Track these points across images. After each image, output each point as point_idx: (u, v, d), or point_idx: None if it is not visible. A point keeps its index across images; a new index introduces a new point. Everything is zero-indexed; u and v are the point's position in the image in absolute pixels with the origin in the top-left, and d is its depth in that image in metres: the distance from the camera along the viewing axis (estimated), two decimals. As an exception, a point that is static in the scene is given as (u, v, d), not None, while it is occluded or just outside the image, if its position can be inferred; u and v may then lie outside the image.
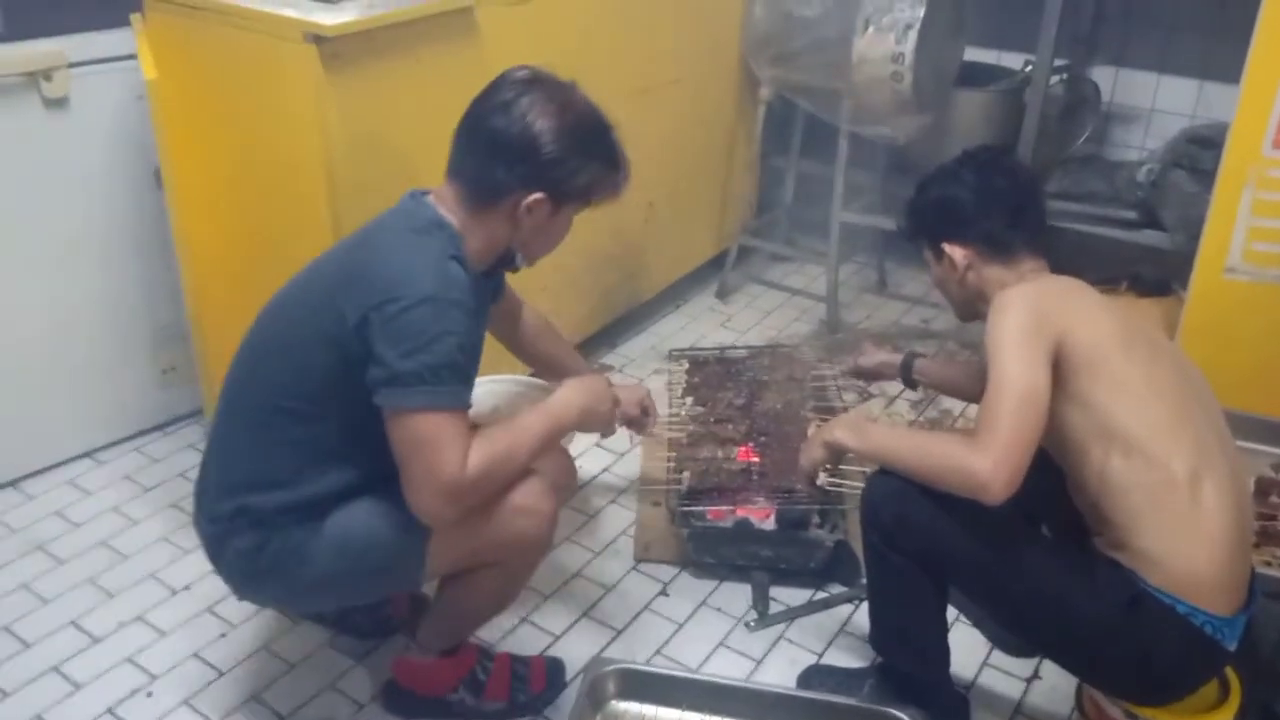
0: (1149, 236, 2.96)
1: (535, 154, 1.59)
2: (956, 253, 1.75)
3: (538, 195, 1.61)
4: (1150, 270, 2.81)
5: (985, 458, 1.49)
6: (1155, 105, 3.31)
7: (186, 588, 2.16)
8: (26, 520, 2.35)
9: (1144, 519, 1.54)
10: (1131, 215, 2.99)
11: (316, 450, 1.65)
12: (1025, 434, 1.50)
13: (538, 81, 1.63)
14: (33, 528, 2.33)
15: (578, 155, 1.61)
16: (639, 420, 2.13)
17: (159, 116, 2.02)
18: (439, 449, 1.50)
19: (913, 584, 1.70)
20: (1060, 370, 1.57)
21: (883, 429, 1.72)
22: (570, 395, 1.75)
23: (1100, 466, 1.57)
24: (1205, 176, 2.84)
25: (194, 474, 2.42)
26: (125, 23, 2.21)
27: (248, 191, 2.16)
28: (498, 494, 1.63)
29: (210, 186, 2.16)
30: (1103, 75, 3.32)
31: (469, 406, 1.58)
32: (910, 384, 2.28)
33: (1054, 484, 1.69)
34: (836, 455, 1.78)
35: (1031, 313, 1.58)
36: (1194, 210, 2.81)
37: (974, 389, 2.13)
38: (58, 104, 2.23)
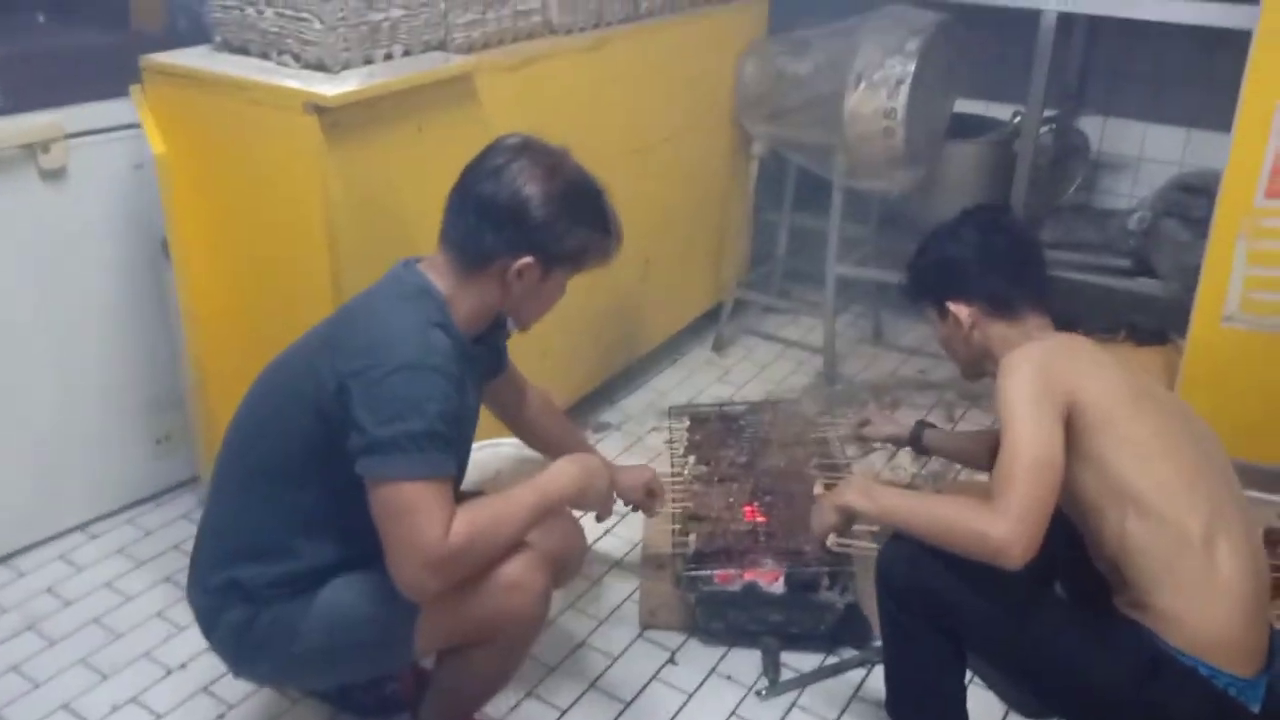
0: (1143, 284, 2.97)
1: (524, 218, 1.59)
2: (961, 311, 1.75)
3: (527, 259, 1.61)
4: (1147, 319, 2.82)
5: (1003, 523, 1.48)
6: (1143, 153, 3.34)
7: (182, 666, 2.11)
8: (18, 598, 2.29)
9: (1162, 579, 1.53)
10: (1125, 263, 3.01)
11: (305, 521, 1.64)
12: (1042, 498, 1.49)
13: (528, 148, 1.64)
14: (24, 605, 2.27)
15: (567, 219, 1.62)
16: (645, 503, 2.12)
17: (167, 189, 2.01)
18: (419, 518, 1.48)
19: (930, 649, 1.67)
20: (1072, 431, 1.56)
21: (895, 493, 1.70)
22: (567, 468, 1.73)
23: (1117, 527, 1.56)
24: (1197, 224, 2.87)
25: (188, 546, 2.39)
26: (123, 93, 2.20)
27: (251, 260, 2.15)
28: (486, 568, 1.60)
29: (214, 256, 2.14)
30: (1090, 125, 3.36)
31: (452, 475, 1.56)
32: (923, 453, 2.29)
33: (1069, 544, 1.67)
34: (848, 519, 1.76)
35: (1041, 374, 1.58)
36: (1187, 258, 2.83)
37: (986, 458, 2.14)
38: (55, 175, 2.21)
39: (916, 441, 2.25)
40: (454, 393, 1.55)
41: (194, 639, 1.95)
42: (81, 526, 2.52)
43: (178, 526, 2.53)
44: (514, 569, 1.63)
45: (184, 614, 2.14)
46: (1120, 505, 1.54)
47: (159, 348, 2.48)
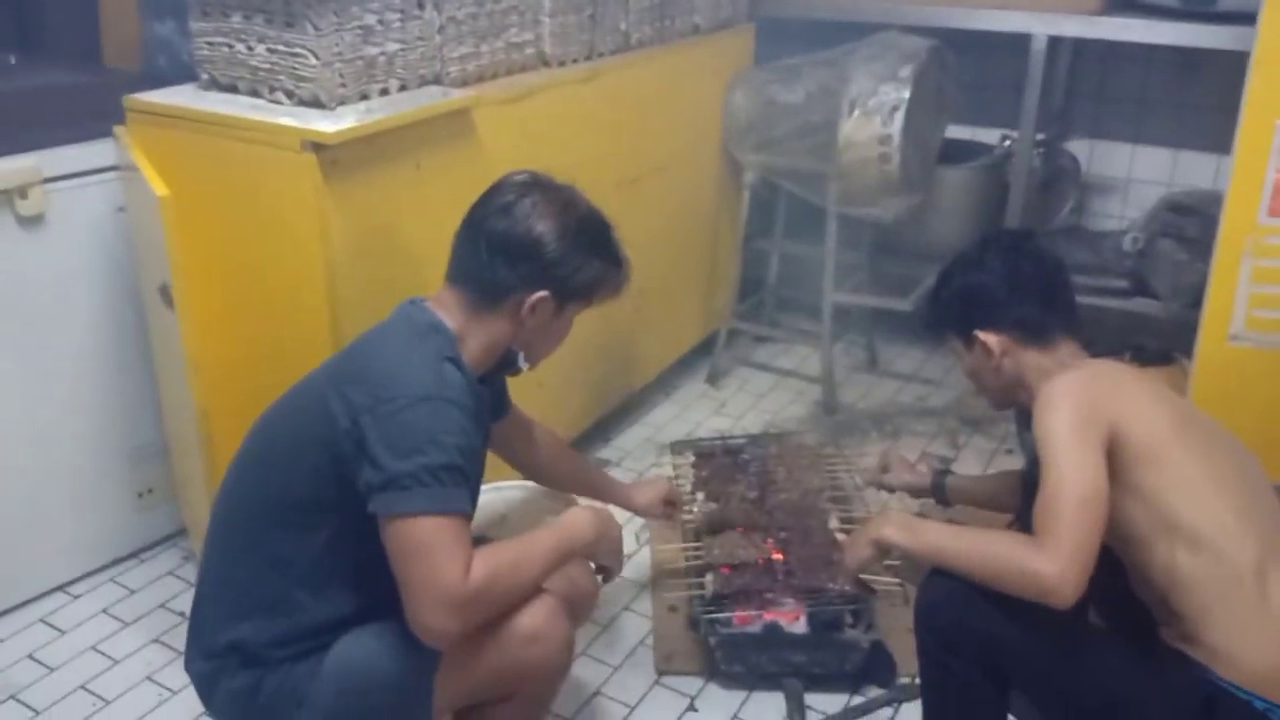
0: (1141, 305, 2.97)
1: (538, 253, 1.58)
2: (991, 340, 1.70)
3: (542, 294, 1.60)
4: (1152, 340, 2.81)
5: (1053, 562, 1.43)
6: (1132, 175, 3.35)
7: (178, 733, 2.01)
8: (-3, 666, 2.18)
9: (1214, 614, 1.49)
10: (1122, 284, 3.00)
11: (310, 571, 1.56)
12: (1089, 535, 1.45)
13: (537, 184, 1.64)
14: (4, 674, 2.15)
15: (580, 253, 1.62)
16: (668, 514, 2.20)
17: (171, 233, 1.94)
18: (439, 556, 1.42)
19: (973, 690, 1.61)
20: (1115, 462, 1.52)
21: (938, 528, 1.64)
22: (585, 514, 1.72)
23: (1166, 560, 1.52)
24: (1192, 244, 2.87)
25: (176, 604, 2.34)
26: (103, 135, 2.13)
27: (249, 303, 2.07)
28: (506, 619, 1.55)
29: (212, 300, 2.06)
30: (1078, 147, 3.36)
31: (470, 513, 1.51)
32: (944, 503, 2.26)
33: (1106, 572, 1.62)
34: (884, 554, 1.70)
35: (1081, 406, 1.53)
36: (1185, 278, 2.84)
37: (1010, 501, 2.10)
38: (33, 221, 2.12)
39: (939, 491, 2.21)
40: (470, 427, 1.51)
41: (189, 703, 1.87)
42: (62, 587, 2.40)
43: (164, 583, 2.42)
44: (534, 619, 1.57)
45: (176, 677, 2.05)
46: (1169, 538, 1.50)
47: (140, 398, 2.39)
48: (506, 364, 1.70)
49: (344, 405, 1.48)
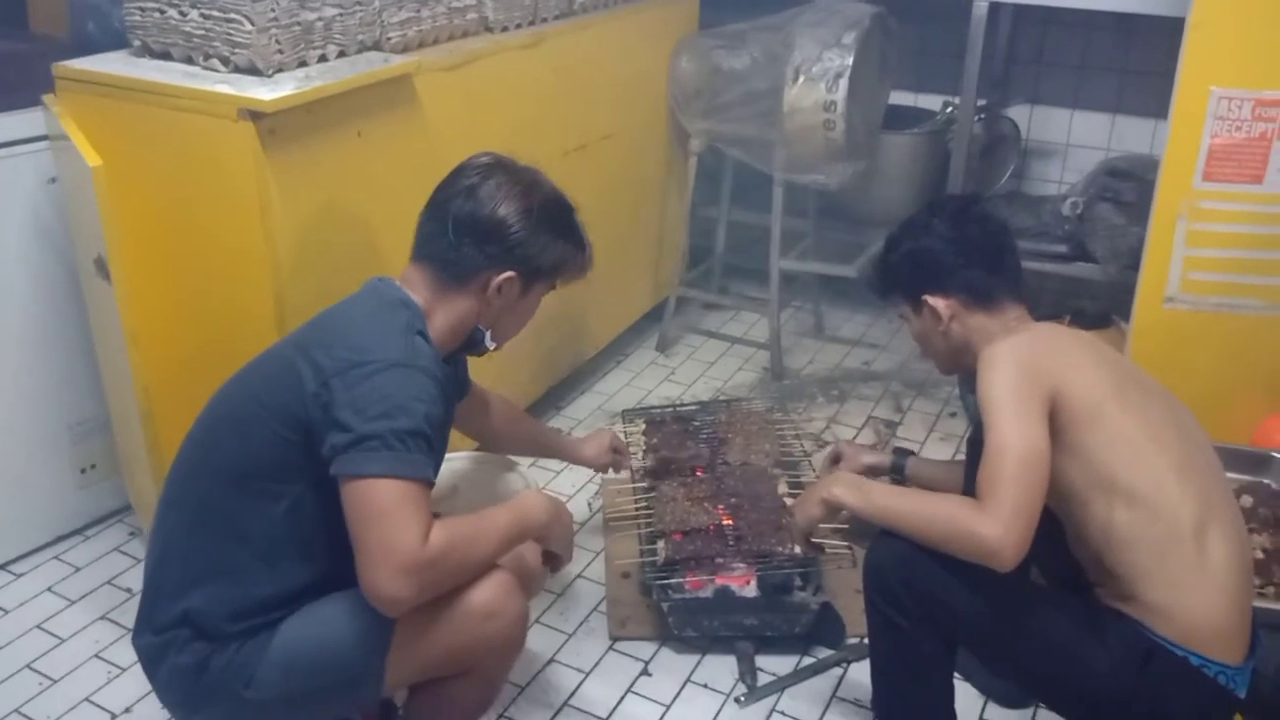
0: (1080, 269, 3.01)
1: (504, 233, 1.62)
2: (939, 304, 1.72)
3: (509, 273, 1.63)
4: (1090, 303, 2.86)
5: (994, 525, 1.46)
6: (1071, 140, 3.40)
7: (127, 710, 1.98)
8: (-62, 649, 2.14)
9: (1152, 572, 1.52)
10: (1061, 249, 3.04)
11: (267, 540, 1.55)
12: (1031, 497, 1.48)
13: (500, 166, 1.67)
14: (-54, 656, 2.12)
15: (545, 233, 1.65)
16: (616, 463, 2.29)
17: (105, 205, 1.88)
18: (398, 520, 1.41)
19: (920, 649, 1.65)
20: (1056, 422, 1.55)
21: (885, 489, 1.67)
22: (540, 497, 1.75)
23: (1103, 519, 1.55)
24: (1129, 208, 2.92)
25: (122, 581, 2.31)
26: (31, 104, 2.06)
27: (190, 277, 2.03)
28: (460, 595, 1.55)
29: (151, 274, 2.01)
30: (1018, 113, 3.40)
31: (431, 481, 1.50)
32: (900, 484, 2.30)
33: (1046, 531, 1.66)
34: (833, 514, 1.72)
35: (1023, 368, 1.56)
36: (1123, 241, 2.89)
37: (970, 488, 2.13)
38: (-40, 194, 2.06)
39: (899, 474, 2.25)
40: (439, 397, 1.53)
41: (138, 680, 1.83)
42: (4, 565, 2.36)
43: (110, 560, 2.39)
44: (488, 595, 1.57)
45: (125, 654, 2.03)
46: (1107, 496, 1.54)
47: (80, 372, 2.34)
48: (472, 344, 1.71)
49: (313, 369, 1.48)
